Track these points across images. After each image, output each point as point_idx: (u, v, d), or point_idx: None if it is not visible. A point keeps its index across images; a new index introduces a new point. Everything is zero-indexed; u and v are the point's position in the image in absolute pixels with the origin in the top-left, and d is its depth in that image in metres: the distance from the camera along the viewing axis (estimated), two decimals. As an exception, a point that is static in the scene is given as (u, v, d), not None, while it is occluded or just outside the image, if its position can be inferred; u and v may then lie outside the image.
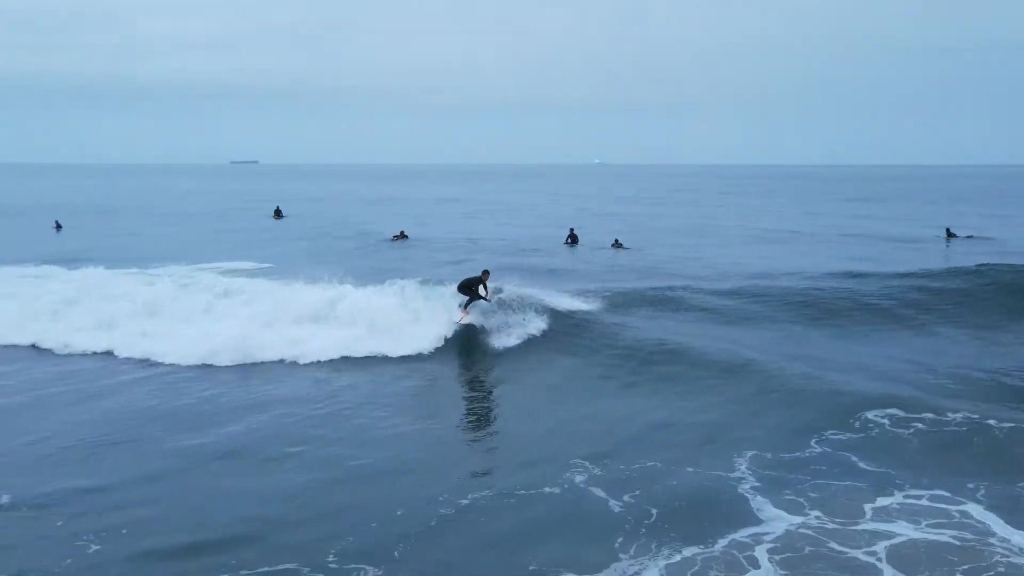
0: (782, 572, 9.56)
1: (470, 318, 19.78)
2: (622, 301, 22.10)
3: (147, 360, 18.79)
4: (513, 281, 23.10)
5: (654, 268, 30.23)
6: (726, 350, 17.92)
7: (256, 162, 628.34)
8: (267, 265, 31.98)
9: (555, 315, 20.06)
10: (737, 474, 12.15)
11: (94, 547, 10.01)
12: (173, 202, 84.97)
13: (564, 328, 19.47)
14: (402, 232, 43.32)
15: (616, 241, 38.85)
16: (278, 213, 61.88)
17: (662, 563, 9.72)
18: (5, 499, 11.29)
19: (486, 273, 20.31)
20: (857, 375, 16.32)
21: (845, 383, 15.46)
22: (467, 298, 19.92)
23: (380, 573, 9.43)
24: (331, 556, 9.73)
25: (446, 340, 19.30)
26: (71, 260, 33.02)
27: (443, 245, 39.57)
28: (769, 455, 12.82)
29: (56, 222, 51.33)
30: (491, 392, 17.20)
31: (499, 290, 20.80)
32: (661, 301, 22.24)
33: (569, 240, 40.67)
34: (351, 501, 11.27)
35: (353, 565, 9.56)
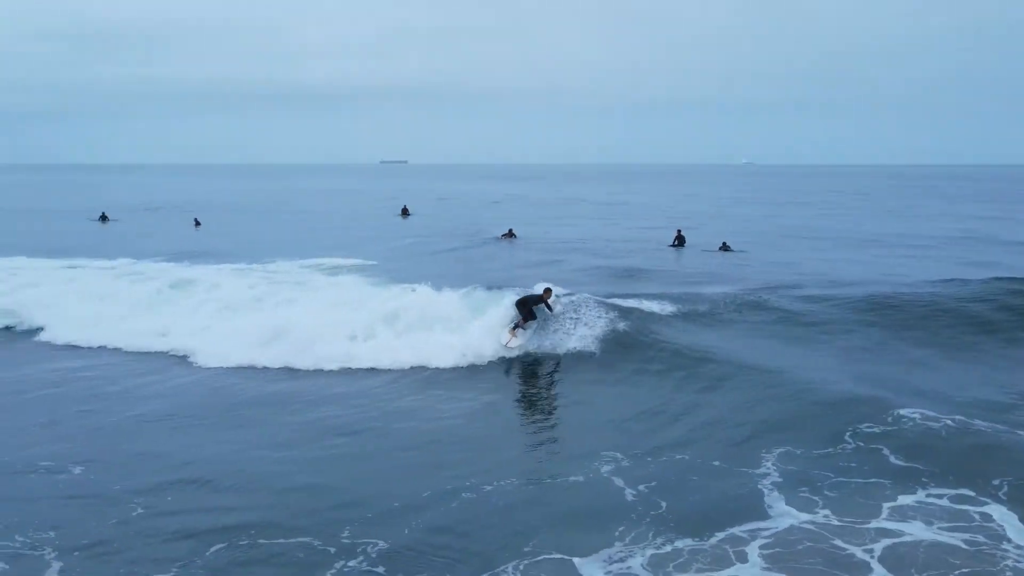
0: (765, 566, 9.51)
1: (518, 341, 18.87)
2: (699, 305, 21.61)
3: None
4: (593, 284, 23.15)
5: (752, 272, 29.31)
6: (783, 354, 17.50)
7: (405, 162, 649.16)
8: (371, 262, 33.28)
9: (620, 317, 19.87)
10: (762, 470, 12.24)
11: (140, 508, 11.10)
12: (312, 200, 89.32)
13: (627, 330, 19.24)
14: (510, 231, 43.90)
15: (724, 244, 37.87)
16: (405, 212, 64.06)
17: (650, 552, 9.86)
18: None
19: (548, 291, 19.53)
20: (913, 393, 15.42)
21: (897, 401, 14.66)
22: (520, 316, 19.05)
23: (386, 546, 9.96)
24: (345, 532, 10.35)
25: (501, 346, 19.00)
26: (198, 254, 35.55)
27: (546, 245, 39.82)
28: (799, 451, 12.81)
29: (195, 219, 55.13)
30: (541, 390, 17.40)
31: (571, 293, 20.89)
32: (742, 306, 21.58)
33: (676, 242, 40.01)
34: (381, 488, 11.76)
35: (363, 540, 10.12)
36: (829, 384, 15.56)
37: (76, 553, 9.91)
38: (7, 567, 9.67)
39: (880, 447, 12.82)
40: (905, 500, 11.18)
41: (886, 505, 11.01)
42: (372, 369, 18.23)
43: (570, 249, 37.18)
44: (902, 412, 13.83)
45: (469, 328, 19.23)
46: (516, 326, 19.03)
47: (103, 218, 57.50)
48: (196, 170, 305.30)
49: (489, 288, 21.69)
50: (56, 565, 9.62)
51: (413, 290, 21.85)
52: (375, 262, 33.32)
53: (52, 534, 10.36)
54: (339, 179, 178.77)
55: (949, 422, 13.48)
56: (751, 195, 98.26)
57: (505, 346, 18.74)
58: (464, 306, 20.46)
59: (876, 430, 13.35)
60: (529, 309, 19.15)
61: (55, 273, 28.54)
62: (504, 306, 19.64)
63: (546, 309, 19.33)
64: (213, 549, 9.93)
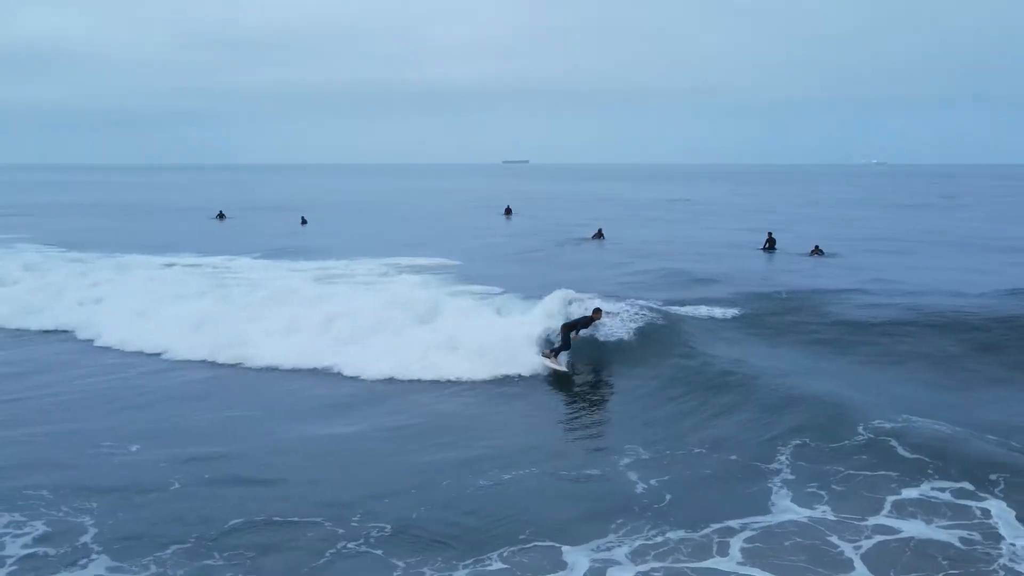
0: (742, 560, 9.58)
1: (558, 365, 18.04)
2: (750, 311, 21.27)
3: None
4: (660, 290, 23.08)
5: (830, 278, 28.21)
6: (825, 366, 17.01)
7: (527, 162, 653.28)
8: (454, 262, 34.04)
9: (666, 321, 19.83)
10: (775, 465, 12.32)
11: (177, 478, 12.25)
12: (422, 200, 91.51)
13: (668, 334, 19.18)
14: (599, 231, 43.86)
15: (816, 247, 36.67)
16: (508, 211, 64.93)
17: (639, 542, 10.08)
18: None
19: (598, 312, 18.78)
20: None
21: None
22: (561, 341, 18.27)
23: (389, 528, 10.57)
24: (356, 516, 10.97)
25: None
26: (292, 251, 37.33)
27: (631, 246, 39.53)
28: (813, 445, 12.70)
29: (302, 217, 57.58)
30: (579, 391, 17.53)
31: (623, 298, 21.07)
32: (793, 313, 21.12)
33: (767, 245, 39.04)
34: (407, 481, 12.25)
35: (372, 524, 10.71)
36: (855, 398, 14.90)
37: (112, 512, 11.04)
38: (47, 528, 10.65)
39: (892, 443, 12.54)
40: (909, 494, 10.98)
41: (890, 499, 10.85)
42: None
43: (652, 252, 36.76)
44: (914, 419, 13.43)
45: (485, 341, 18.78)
46: (556, 351, 18.24)
47: (220, 216, 60.91)
48: (327, 170, 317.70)
49: (527, 297, 22.14)
50: (88, 515, 10.58)
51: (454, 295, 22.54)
52: (458, 262, 34.05)
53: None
54: (457, 179, 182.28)
55: (963, 433, 12.93)
56: (874, 197, 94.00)
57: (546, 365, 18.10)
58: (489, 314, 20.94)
59: (887, 425, 13.08)
60: (573, 334, 18.37)
61: (127, 281, 27.62)
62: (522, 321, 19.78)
63: (582, 333, 18.66)
64: (231, 523, 10.76)
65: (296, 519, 10.86)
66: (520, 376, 17.87)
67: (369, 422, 15.20)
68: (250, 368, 19.09)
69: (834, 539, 9.96)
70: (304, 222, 56.02)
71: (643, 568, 9.45)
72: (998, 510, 10.41)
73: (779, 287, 25.12)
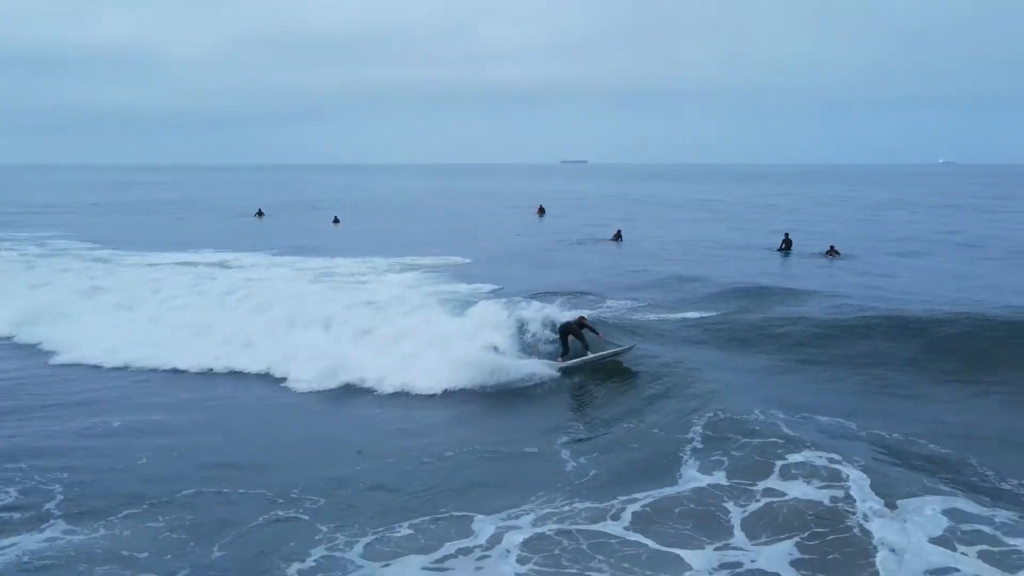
0: (628, 524, 10.58)
1: (570, 363, 18.13)
2: (728, 312, 21.66)
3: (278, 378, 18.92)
4: (646, 290, 23.66)
5: (834, 282, 28.25)
6: (749, 369, 17.63)
7: (585, 162, 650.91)
8: (466, 260, 34.96)
9: (635, 324, 20.37)
10: (689, 446, 13.03)
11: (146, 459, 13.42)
12: (463, 199, 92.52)
13: (632, 335, 19.67)
14: (618, 233, 44.21)
15: (831, 248, 36.60)
16: (541, 211, 65.61)
17: (547, 511, 11.06)
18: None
19: (582, 320, 18.81)
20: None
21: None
22: (562, 346, 18.42)
23: (323, 501, 11.62)
24: (296, 490, 12.03)
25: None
26: (312, 249, 38.57)
27: (646, 249, 39.84)
28: (722, 428, 13.44)
29: (335, 216, 59.07)
30: (526, 388, 17.76)
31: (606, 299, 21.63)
32: (763, 311, 21.75)
33: (783, 246, 39.02)
34: (347, 465, 13.19)
35: (308, 497, 11.80)
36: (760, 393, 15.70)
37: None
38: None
39: (784, 429, 13.28)
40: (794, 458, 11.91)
41: (778, 464, 11.83)
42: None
43: (661, 254, 37.07)
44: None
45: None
46: (563, 355, 18.37)
47: (259, 214, 62.87)
48: (384, 170, 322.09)
49: (510, 297, 22.83)
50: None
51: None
52: (468, 260, 34.94)
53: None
54: (511, 179, 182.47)
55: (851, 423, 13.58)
56: (923, 198, 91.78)
57: (560, 368, 18.06)
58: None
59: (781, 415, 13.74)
60: (564, 339, 18.53)
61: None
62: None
63: (575, 342, 18.52)
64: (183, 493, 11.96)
65: (243, 490, 11.98)
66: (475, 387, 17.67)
67: (307, 419, 16.03)
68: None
69: (729, 504, 10.90)
70: (336, 221, 57.47)
71: (538, 531, 10.44)
72: (857, 477, 11.21)
73: (762, 289, 25.43)
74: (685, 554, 9.78)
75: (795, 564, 9.50)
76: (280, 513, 11.23)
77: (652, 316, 21.70)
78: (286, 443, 14.41)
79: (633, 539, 10.17)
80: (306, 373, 17.87)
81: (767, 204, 79.17)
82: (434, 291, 24.86)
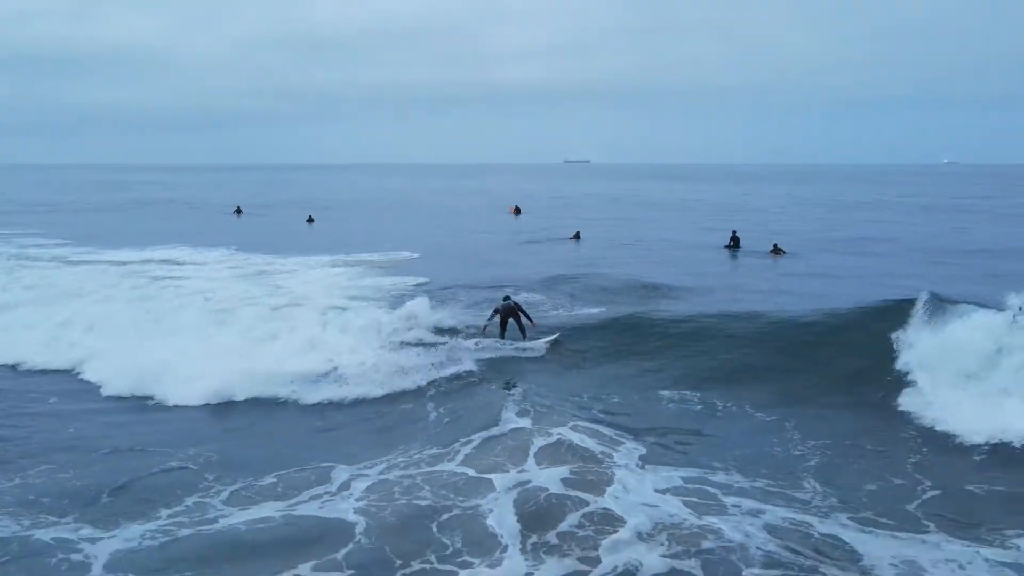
0: (461, 461, 13.28)
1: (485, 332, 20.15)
2: (619, 305, 22.86)
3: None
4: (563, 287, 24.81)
5: (745, 277, 29.15)
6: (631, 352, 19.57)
7: (588, 161, 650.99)
8: (415, 255, 36.00)
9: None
10: (511, 402, 16.11)
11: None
12: (450, 199, 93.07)
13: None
14: (577, 233, 44.98)
15: (775, 246, 37.30)
16: (517, 210, 66.28)
17: (400, 459, 13.55)
18: None
19: (518, 305, 20.69)
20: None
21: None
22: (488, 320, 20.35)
23: (239, 487, 12.71)
24: (213, 457, 14.00)
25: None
26: (264, 245, 39.39)
27: (597, 247, 40.43)
28: (544, 385, 17.41)
29: (310, 216, 60.01)
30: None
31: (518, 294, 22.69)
32: (646, 305, 23.45)
33: (731, 243, 39.78)
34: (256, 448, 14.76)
35: (217, 466, 13.57)
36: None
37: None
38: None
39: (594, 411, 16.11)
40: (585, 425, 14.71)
41: (571, 422, 14.72)
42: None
43: (606, 253, 37.53)
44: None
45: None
46: (484, 328, 20.30)
47: (237, 211, 63.96)
48: (390, 169, 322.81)
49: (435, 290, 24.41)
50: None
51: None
52: (417, 255, 35.91)
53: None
54: (508, 178, 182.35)
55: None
56: (909, 198, 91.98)
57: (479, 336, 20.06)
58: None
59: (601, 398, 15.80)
60: (514, 319, 20.31)
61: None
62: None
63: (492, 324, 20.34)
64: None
65: (175, 465, 13.64)
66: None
67: (240, 415, 17.04)
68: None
69: (538, 440, 13.83)
70: (311, 220, 58.39)
71: (384, 477, 12.66)
72: (631, 446, 13.92)
73: (660, 287, 26.47)
74: (495, 477, 12.42)
75: (563, 482, 12.19)
76: (180, 467, 13.43)
77: (551, 312, 22.89)
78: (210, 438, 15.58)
79: (460, 471, 12.74)
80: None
81: (743, 204, 79.73)
82: (353, 285, 25.71)
